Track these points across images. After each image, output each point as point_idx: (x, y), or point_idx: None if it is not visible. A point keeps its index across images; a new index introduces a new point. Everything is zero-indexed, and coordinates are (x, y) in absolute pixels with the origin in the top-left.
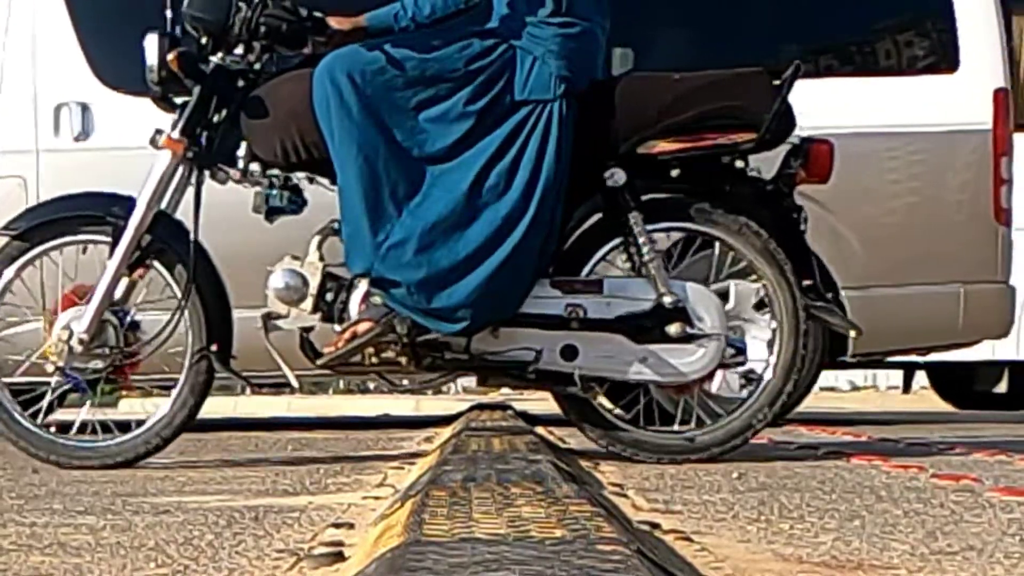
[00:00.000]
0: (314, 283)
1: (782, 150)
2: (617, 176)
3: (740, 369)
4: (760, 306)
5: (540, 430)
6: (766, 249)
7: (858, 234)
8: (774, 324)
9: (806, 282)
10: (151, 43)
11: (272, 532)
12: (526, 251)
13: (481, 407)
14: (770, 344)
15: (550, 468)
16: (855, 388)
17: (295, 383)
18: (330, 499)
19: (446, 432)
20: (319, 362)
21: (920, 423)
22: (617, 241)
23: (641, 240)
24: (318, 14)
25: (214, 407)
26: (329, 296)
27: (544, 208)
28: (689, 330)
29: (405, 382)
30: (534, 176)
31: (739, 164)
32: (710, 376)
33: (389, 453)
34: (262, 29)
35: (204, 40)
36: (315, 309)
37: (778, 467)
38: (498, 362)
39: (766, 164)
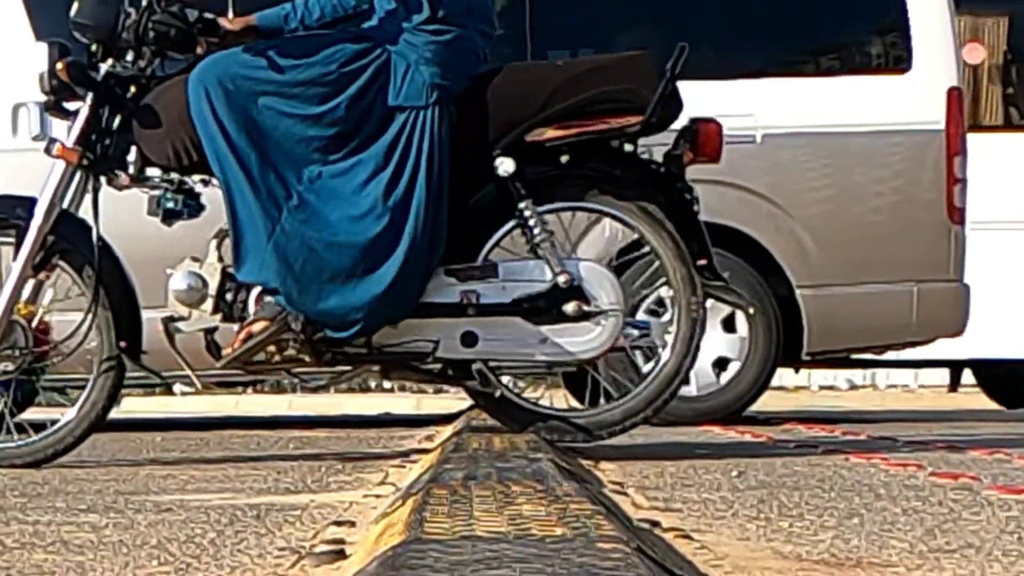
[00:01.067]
0: (213, 284)
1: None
2: (506, 165)
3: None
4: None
5: None
6: (662, 228)
7: (813, 234)
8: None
9: (701, 262)
10: (42, 51)
11: (274, 530)
12: (413, 257)
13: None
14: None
15: (550, 466)
16: (854, 387)
17: (198, 384)
18: (332, 497)
19: (447, 430)
20: (218, 364)
21: (918, 421)
22: (510, 225)
23: (532, 223)
24: (209, 15)
25: (215, 406)
26: (229, 296)
27: (427, 212)
28: (585, 308)
29: (320, 380)
30: (412, 183)
31: (628, 148)
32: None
33: (390, 451)
34: (151, 34)
35: (94, 47)
36: (216, 310)
37: (777, 465)
38: (399, 354)
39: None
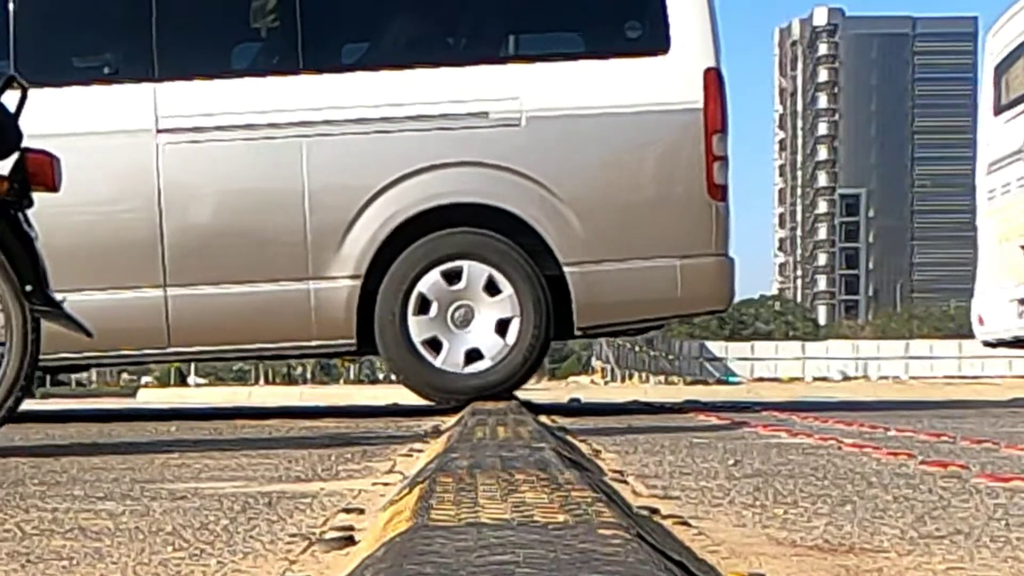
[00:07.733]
0: None
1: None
2: None
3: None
4: (491, 289)
5: (543, 419)
6: None
7: (579, 213)
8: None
9: (29, 288)
10: None
11: (285, 517)
12: None
13: (485, 397)
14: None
15: (553, 455)
16: (846, 378)
17: None
18: (341, 485)
19: (452, 421)
20: None
21: (910, 412)
22: None
23: None
24: None
25: (229, 397)
26: None
27: None
28: None
29: None
30: None
31: None
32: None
33: (398, 441)
34: None
35: None
36: None
37: (772, 454)
38: None
39: None
